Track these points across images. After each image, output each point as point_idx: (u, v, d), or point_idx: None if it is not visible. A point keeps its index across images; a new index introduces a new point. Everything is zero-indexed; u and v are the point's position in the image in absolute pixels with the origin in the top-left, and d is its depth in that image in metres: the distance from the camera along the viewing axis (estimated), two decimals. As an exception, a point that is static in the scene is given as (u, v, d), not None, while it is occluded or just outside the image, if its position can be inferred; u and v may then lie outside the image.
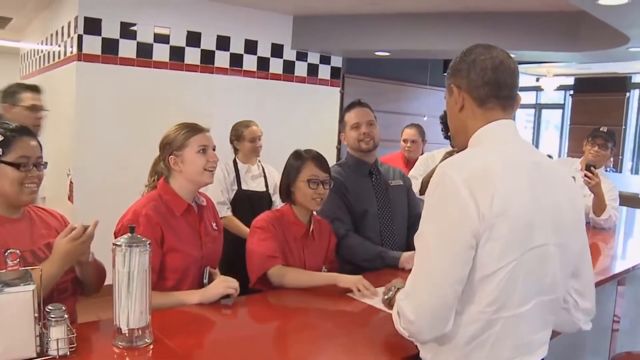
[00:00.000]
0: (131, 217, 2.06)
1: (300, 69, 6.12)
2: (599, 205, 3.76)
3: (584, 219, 1.57)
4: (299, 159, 2.47)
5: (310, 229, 2.47)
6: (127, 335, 1.60)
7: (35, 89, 3.12)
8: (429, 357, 1.45)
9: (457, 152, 1.50)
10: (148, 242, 1.63)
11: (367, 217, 2.76)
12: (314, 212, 2.51)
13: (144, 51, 5.02)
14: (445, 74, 1.59)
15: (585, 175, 3.65)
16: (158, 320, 1.73)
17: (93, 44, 4.75)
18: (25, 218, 1.92)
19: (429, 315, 1.34)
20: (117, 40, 4.87)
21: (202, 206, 2.25)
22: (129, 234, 1.63)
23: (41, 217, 1.99)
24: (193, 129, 2.20)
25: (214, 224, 2.31)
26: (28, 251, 1.83)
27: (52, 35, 5.62)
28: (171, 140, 2.18)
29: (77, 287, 1.97)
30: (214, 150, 2.22)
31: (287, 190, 2.47)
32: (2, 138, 1.78)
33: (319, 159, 2.47)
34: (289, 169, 2.48)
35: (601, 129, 3.93)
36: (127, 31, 4.92)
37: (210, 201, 2.40)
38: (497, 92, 1.46)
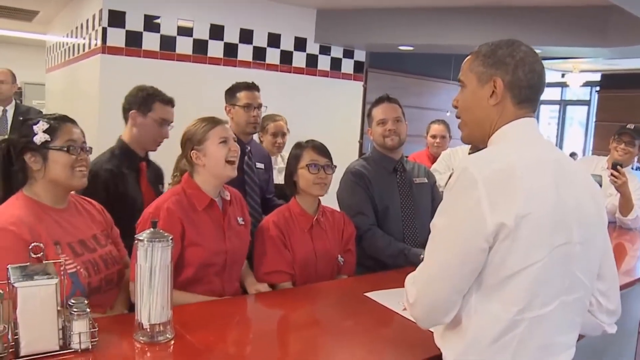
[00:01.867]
0: (153, 211, 2.08)
1: (324, 62, 6.09)
2: (625, 205, 3.70)
3: (607, 217, 1.53)
4: (298, 148, 2.50)
5: (316, 218, 2.46)
6: (148, 330, 1.60)
7: (249, 87, 3.13)
8: (452, 358, 1.42)
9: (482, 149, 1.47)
10: (170, 238, 1.62)
11: (388, 213, 2.73)
12: (321, 196, 2.49)
13: (168, 44, 5.03)
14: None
15: (612, 175, 3.60)
16: (179, 316, 1.73)
17: (117, 37, 4.77)
18: (71, 208, 1.95)
19: (426, 304, 1.38)
20: (141, 33, 4.88)
21: (226, 201, 2.25)
22: (152, 229, 1.63)
23: (86, 208, 2.03)
24: (212, 122, 2.21)
25: (239, 219, 2.30)
26: (77, 241, 1.86)
27: (77, 28, 5.66)
28: (191, 135, 2.19)
29: (122, 277, 2.04)
30: (235, 141, 2.23)
31: (290, 180, 2.49)
32: (48, 126, 1.83)
33: (318, 147, 2.49)
34: (290, 159, 2.51)
35: (628, 126, 3.87)
36: (151, 24, 4.93)
37: (238, 195, 2.40)
38: (534, 95, 1.46)
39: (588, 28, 5.07)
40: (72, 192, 1.99)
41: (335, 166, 2.49)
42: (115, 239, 2.10)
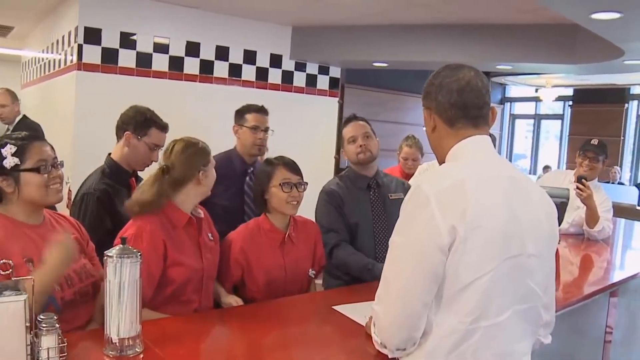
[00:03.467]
0: (135, 232, 2.07)
1: (299, 79, 6.17)
2: (592, 217, 3.78)
3: (558, 234, 1.61)
4: (269, 165, 2.49)
5: (287, 234, 2.47)
6: (117, 344, 1.62)
7: (259, 110, 3.23)
8: None
9: None
10: (139, 254, 1.65)
11: (359, 230, 2.78)
12: (293, 215, 2.51)
13: (144, 61, 5.07)
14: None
15: (577, 188, 3.67)
16: (149, 330, 1.76)
17: (93, 54, 4.80)
18: (46, 224, 1.95)
19: (398, 321, 1.41)
20: (117, 49, 4.92)
21: (200, 218, 2.28)
22: (121, 245, 1.66)
23: (60, 223, 2.03)
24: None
25: (209, 235, 2.34)
26: None
27: (52, 44, 5.68)
28: (207, 154, 2.24)
29: (97, 290, 2.01)
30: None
31: (261, 198, 2.48)
32: (16, 148, 1.81)
33: (290, 164, 2.48)
34: (260, 176, 2.50)
35: (592, 142, 3.93)
36: (127, 41, 4.97)
37: (205, 211, 2.42)
38: (464, 112, 1.52)
39: (556, 45, 5.22)
40: (46, 209, 2.00)
41: (307, 183, 2.49)
42: (90, 254, 2.11)
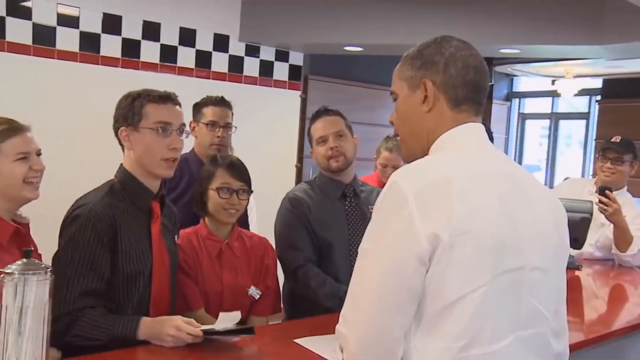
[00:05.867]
0: None
1: (251, 66, 6.24)
2: (622, 238, 3.80)
3: (569, 243, 1.66)
4: (212, 164, 2.69)
5: (226, 243, 2.64)
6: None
7: (218, 102, 3.40)
8: None
9: None
10: (48, 269, 1.66)
11: (333, 249, 2.86)
12: (230, 223, 2.69)
13: (44, 37, 4.92)
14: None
15: (600, 201, 3.69)
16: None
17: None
18: None
19: (368, 346, 1.43)
20: (3, 18, 4.71)
21: (25, 224, 2.29)
22: (24, 260, 1.66)
23: None
24: (9, 129, 2.17)
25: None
26: None
27: None
28: None
29: None
30: (38, 155, 2.21)
31: (200, 200, 2.68)
32: None
33: (234, 166, 2.68)
34: (202, 176, 2.71)
35: (613, 139, 3.98)
36: (17, 7, 4.79)
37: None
38: (475, 95, 1.59)
39: (578, 21, 5.25)
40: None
41: (252, 191, 2.67)
42: None
